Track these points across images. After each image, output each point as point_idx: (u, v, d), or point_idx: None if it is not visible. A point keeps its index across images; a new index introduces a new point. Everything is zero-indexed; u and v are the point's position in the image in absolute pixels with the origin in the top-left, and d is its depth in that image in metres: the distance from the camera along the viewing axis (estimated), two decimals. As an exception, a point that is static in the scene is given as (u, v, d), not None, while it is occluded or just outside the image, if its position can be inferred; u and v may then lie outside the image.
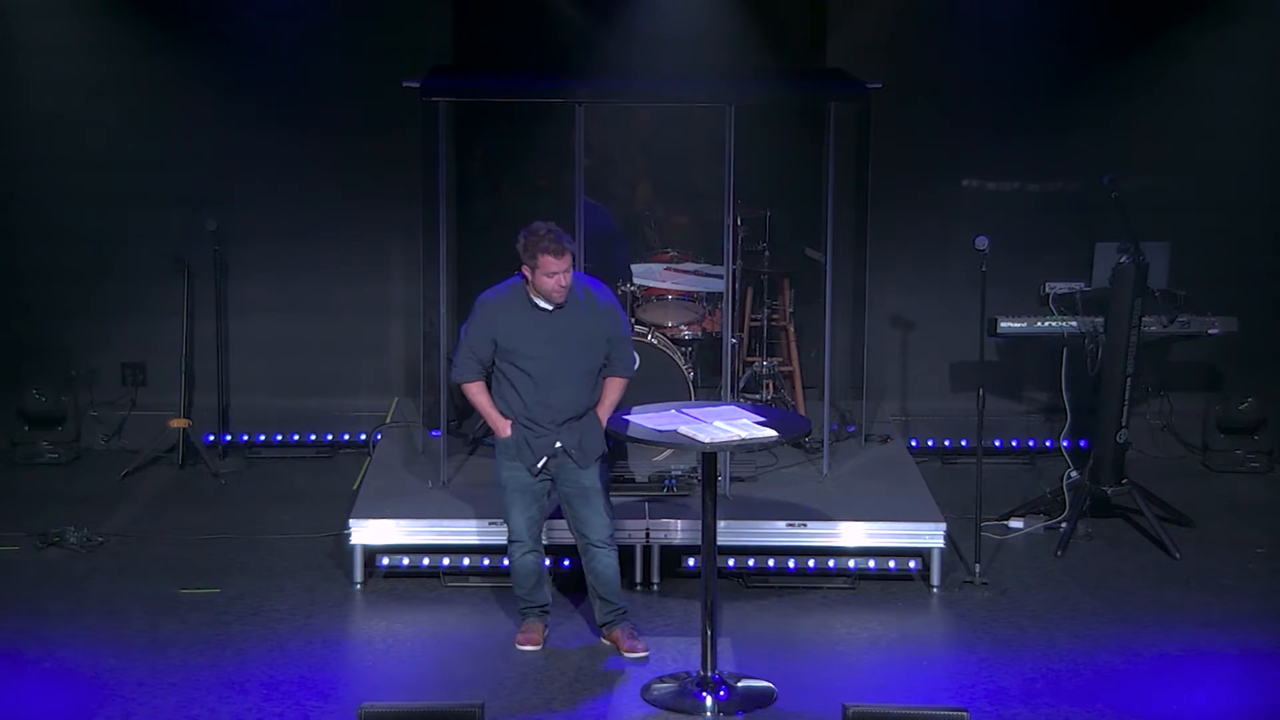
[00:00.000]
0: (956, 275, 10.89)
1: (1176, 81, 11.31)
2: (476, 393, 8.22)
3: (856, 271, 11.09)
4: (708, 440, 7.65)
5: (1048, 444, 11.17)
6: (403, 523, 9.28)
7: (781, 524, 9.24)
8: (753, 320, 10.82)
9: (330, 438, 11.50)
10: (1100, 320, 10.11)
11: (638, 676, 8.06)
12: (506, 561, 8.69)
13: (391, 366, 11.69)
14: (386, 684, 8.00)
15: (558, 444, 8.13)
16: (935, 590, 9.16)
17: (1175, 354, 11.51)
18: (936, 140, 11.39)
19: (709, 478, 7.85)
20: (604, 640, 8.40)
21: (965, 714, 6.34)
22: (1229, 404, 11.30)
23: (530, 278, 8.04)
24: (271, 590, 9.06)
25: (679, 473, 9.69)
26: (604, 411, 8.18)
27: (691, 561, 9.15)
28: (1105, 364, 10.01)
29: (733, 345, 9.98)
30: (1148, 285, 9.92)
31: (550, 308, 8.08)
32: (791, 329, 10.87)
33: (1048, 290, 10.34)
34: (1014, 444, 11.43)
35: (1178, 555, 9.61)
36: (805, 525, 9.22)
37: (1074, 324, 10.24)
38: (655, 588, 9.14)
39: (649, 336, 9.88)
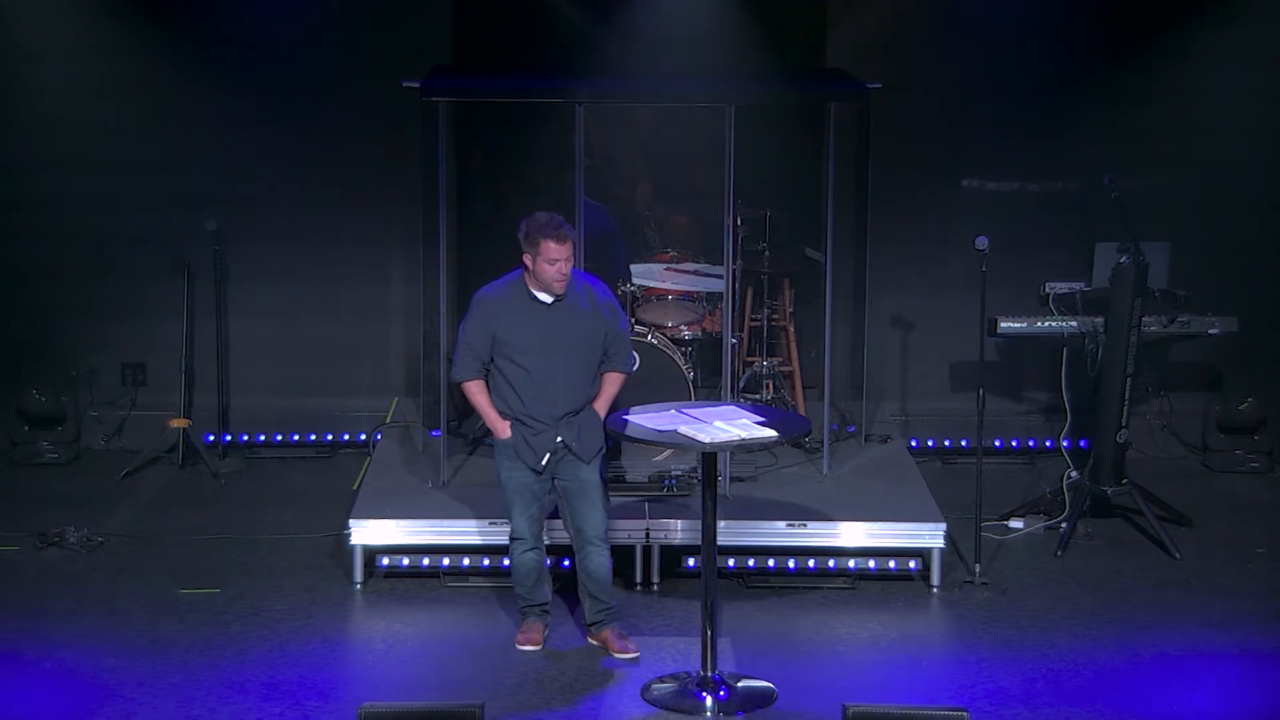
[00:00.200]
0: (956, 275, 10.89)
1: (1176, 81, 11.31)
2: (476, 392, 8.22)
3: (856, 271, 11.10)
4: (708, 440, 7.65)
5: (1048, 444, 11.17)
6: (403, 523, 9.28)
7: (781, 524, 9.24)
8: (753, 320, 10.82)
9: (330, 438, 11.50)
10: (1100, 320, 10.11)
11: (638, 676, 8.05)
12: (506, 561, 8.70)
13: (391, 366, 11.69)
14: (386, 684, 8.00)
15: (559, 439, 8.13)
16: (935, 590, 9.16)
17: (1175, 354, 11.51)
18: (936, 140, 11.39)
19: (709, 478, 7.85)
20: (592, 641, 8.39)
21: (965, 714, 6.34)
22: (1229, 404, 11.30)
23: (531, 266, 8.03)
24: (271, 590, 9.06)
25: (679, 473, 9.69)
26: (601, 406, 8.19)
27: (691, 561, 9.15)
28: (1105, 364, 10.01)
29: (733, 345, 9.98)
30: (1148, 285, 9.92)
31: (550, 301, 8.07)
32: (791, 329, 10.87)
33: (1048, 290, 10.34)
34: (1014, 444, 11.43)
35: (1178, 555, 9.61)
36: (805, 525, 9.22)
37: (1074, 324, 10.24)
38: (655, 588, 9.14)
39: (649, 336, 9.89)
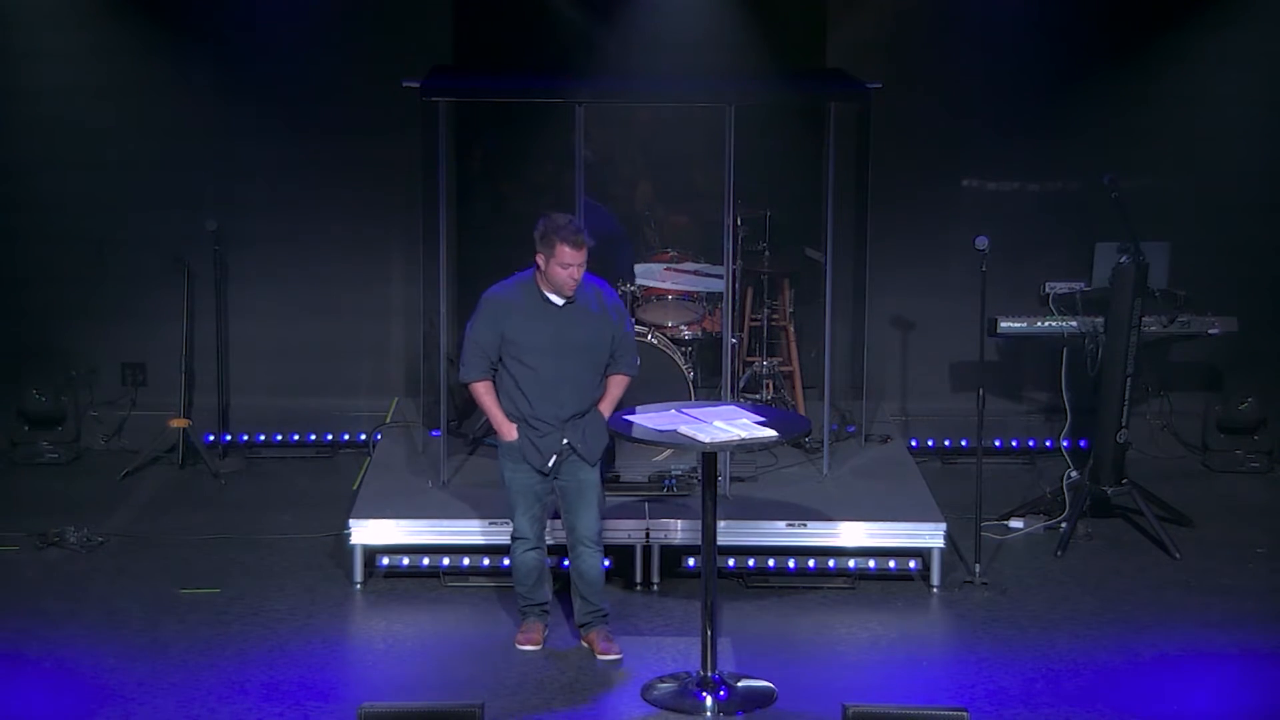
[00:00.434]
0: (956, 275, 10.89)
1: (1176, 82, 11.31)
2: (484, 393, 8.20)
3: (856, 271, 11.10)
4: (708, 440, 7.65)
5: (1048, 444, 11.17)
6: (403, 523, 9.28)
7: (781, 524, 9.24)
8: (753, 320, 10.82)
9: (330, 438, 11.50)
10: (1100, 320, 10.11)
11: (638, 676, 8.05)
12: (507, 561, 8.70)
13: (391, 366, 11.69)
14: (386, 684, 8.00)
15: (565, 440, 8.14)
16: (935, 590, 9.16)
17: (1175, 354, 11.51)
18: (936, 140, 11.39)
19: (709, 478, 7.85)
20: (581, 642, 8.40)
21: (965, 714, 6.34)
22: (1229, 404, 11.30)
23: (543, 267, 8.02)
24: (271, 590, 9.06)
25: (679, 473, 9.68)
26: (607, 408, 8.19)
27: (691, 561, 9.15)
28: (1105, 364, 10.01)
29: (733, 345, 9.98)
30: (1148, 285, 9.92)
31: (560, 303, 8.07)
32: (791, 329, 10.87)
33: (1048, 290, 10.34)
34: (1014, 444, 11.43)
35: (1178, 555, 9.61)
36: (805, 525, 9.22)
37: (1074, 324, 10.24)
38: (655, 588, 9.14)
39: (649, 336, 9.89)
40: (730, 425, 7.78)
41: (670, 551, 9.20)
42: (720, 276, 10.09)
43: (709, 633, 7.87)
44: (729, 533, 9.01)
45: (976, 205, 11.53)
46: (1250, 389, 11.31)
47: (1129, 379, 9.87)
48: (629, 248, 10.72)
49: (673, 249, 10.85)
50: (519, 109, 10.88)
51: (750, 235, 10.56)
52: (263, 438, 11.46)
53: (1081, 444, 10.58)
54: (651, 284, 10.48)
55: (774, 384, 10.68)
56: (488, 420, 10.32)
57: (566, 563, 8.77)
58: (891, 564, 9.24)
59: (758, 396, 10.58)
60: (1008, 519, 10.09)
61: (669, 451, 9.58)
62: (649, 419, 7.89)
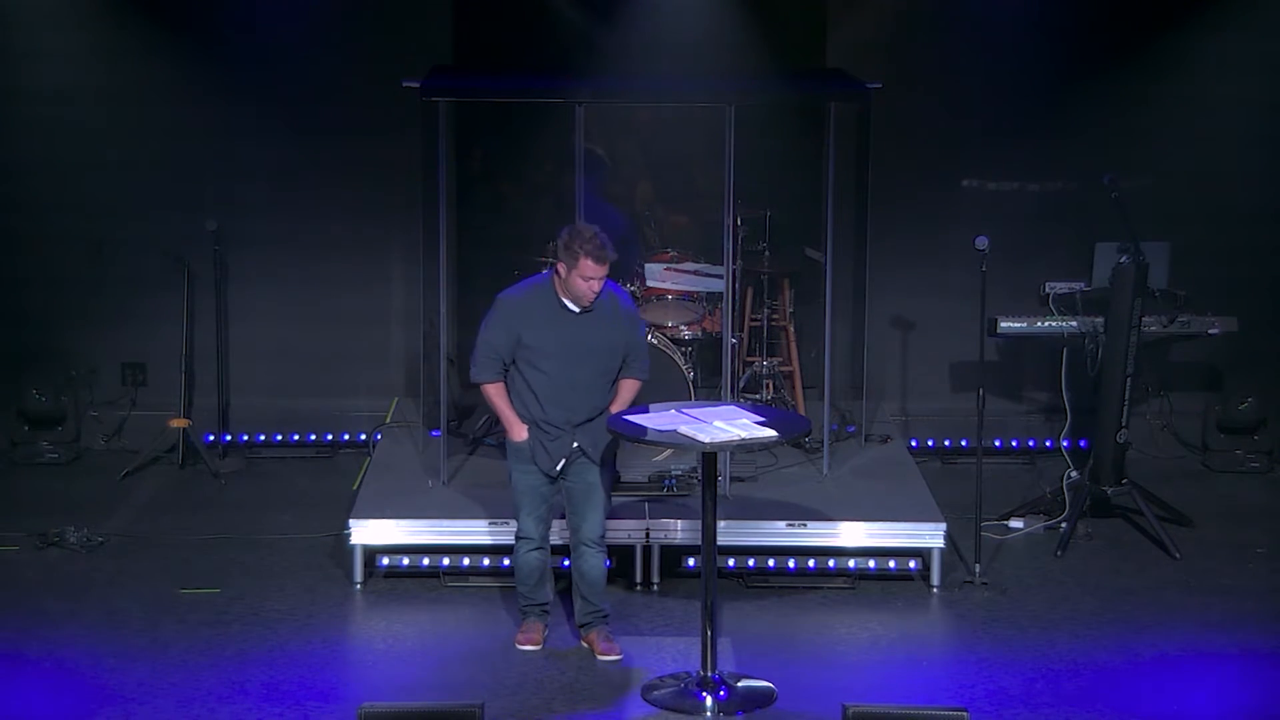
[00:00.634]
0: (956, 275, 10.89)
1: (1176, 82, 11.31)
2: (495, 394, 8.19)
3: (856, 271, 11.10)
4: (708, 440, 7.65)
5: (1048, 444, 11.17)
6: (403, 523, 9.28)
7: (781, 524, 9.24)
8: (753, 320, 10.82)
9: (330, 438, 11.50)
10: (1100, 320, 10.12)
11: (638, 677, 8.05)
12: (507, 561, 8.70)
13: (391, 366, 11.69)
14: (386, 684, 8.00)
15: (575, 444, 8.14)
16: (935, 590, 9.16)
17: (1175, 354, 11.51)
18: (936, 140, 11.39)
19: (709, 478, 7.85)
20: (581, 642, 8.40)
21: (965, 714, 6.34)
22: (1229, 404, 11.30)
23: (564, 275, 8.00)
24: (271, 590, 9.06)
25: (679, 473, 9.68)
26: (617, 411, 8.18)
27: (691, 561, 9.15)
28: (1105, 364, 10.01)
29: (733, 345, 9.98)
30: (1148, 285, 9.92)
31: (576, 309, 8.06)
32: (791, 329, 10.87)
33: (1048, 290, 10.34)
34: (1014, 444, 11.43)
35: (1178, 555, 9.61)
36: (805, 525, 9.22)
37: (1074, 324, 10.24)
38: (655, 588, 9.14)
39: (649, 336, 9.88)
40: (730, 425, 7.77)
41: (670, 551, 9.20)
42: (720, 276, 10.09)
43: (709, 633, 7.87)
44: (729, 533, 9.00)
45: (976, 205, 11.52)
46: (1250, 389, 11.31)
47: (1129, 379, 9.87)
48: (635, 248, 10.72)
49: (673, 249, 10.84)
50: (519, 109, 10.88)
51: (750, 235, 10.56)
52: (263, 438, 11.46)
53: (1081, 444, 10.58)
54: (651, 284, 10.48)
55: (774, 384, 10.68)
56: (487, 420, 10.41)
57: (566, 563, 8.78)
58: (891, 564, 9.24)
59: (758, 396, 10.58)
60: (1008, 519, 10.09)
61: (669, 451, 9.57)
62: (649, 419, 7.89)
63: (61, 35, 11.20)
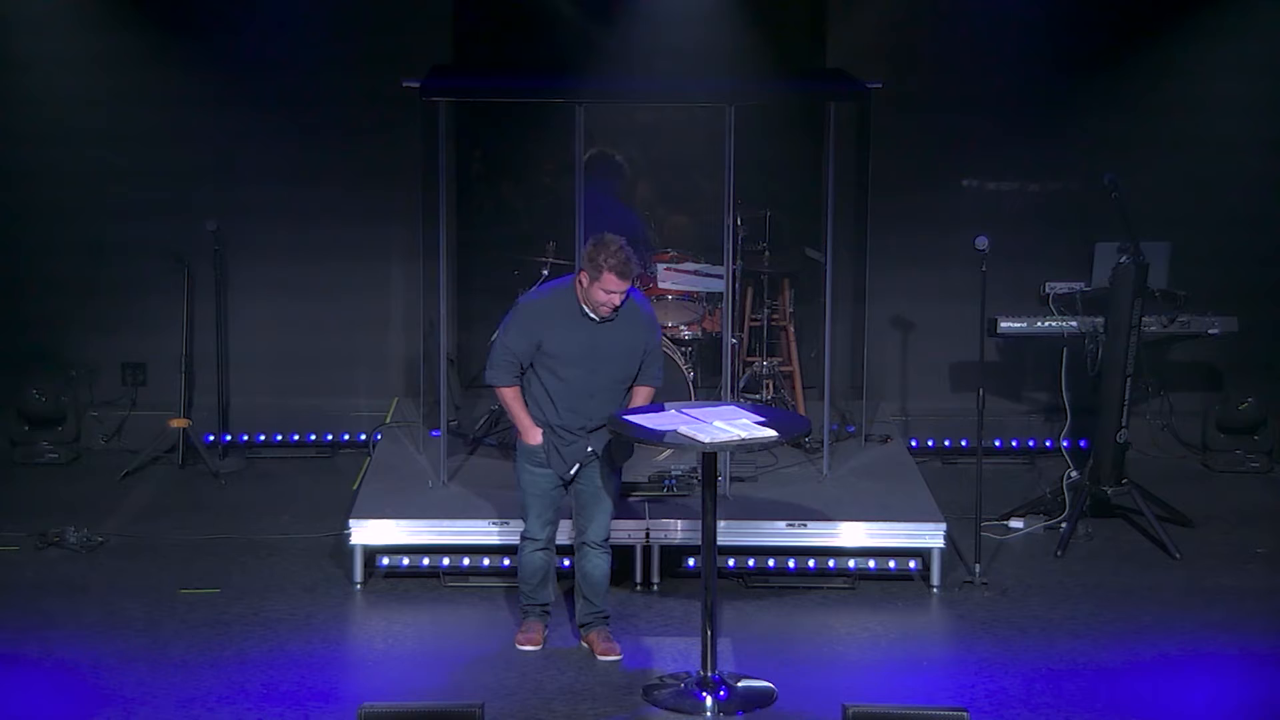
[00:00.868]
0: (956, 275, 10.87)
1: (1177, 82, 11.31)
2: (511, 398, 8.17)
3: (856, 271, 11.10)
4: (708, 440, 7.64)
5: (1048, 444, 11.17)
6: (403, 523, 9.27)
7: (781, 524, 9.24)
8: (753, 320, 10.81)
9: (330, 438, 11.50)
10: (1100, 320, 10.12)
11: (638, 677, 8.05)
12: (507, 561, 8.70)
13: (391, 366, 11.69)
14: (386, 684, 8.00)
15: (589, 449, 8.13)
16: (935, 590, 9.15)
17: (1175, 354, 11.51)
18: (936, 140, 11.39)
19: (709, 478, 7.84)
20: (581, 643, 8.40)
21: (965, 714, 6.34)
22: (1229, 404, 11.30)
23: (585, 285, 7.97)
24: (271, 590, 9.06)
25: (679, 473, 9.68)
26: None
27: (691, 561, 9.15)
28: (1105, 364, 10.01)
29: (733, 345, 9.98)
30: (1148, 285, 9.92)
31: (597, 319, 8.06)
32: (791, 329, 10.87)
33: (1048, 290, 10.35)
34: (1014, 444, 11.43)
35: (1178, 555, 9.61)
36: (805, 525, 9.22)
37: (1074, 324, 10.25)
38: (655, 588, 9.14)
39: (649, 336, 9.87)
40: (730, 425, 7.77)
41: (670, 551, 9.20)
42: (720, 276, 10.09)
43: (709, 633, 7.87)
44: (729, 533, 9.00)
45: (976, 205, 11.53)
46: (1250, 389, 11.31)
47: (1129, 379, 9.87)
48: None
49: (673, 249, 10.85)
50: (519, 109, 10.88)
51: (750, 235, 10.55)
52: (263, 438, 11.46)
53: (1081, 444, 10.58)
54: (652, 284, 10.48)
55: (774, 384, 10.67)
56: (487, 420, 10.41)
57: (566, 563, 8.78)
58: (891, 564, 9.23)
59: (758, 396, 10.58)
60: (1008, 519, 10.09)
61: (669, 451, 9.57)
62: (649, 419, 7.88)
63: (62, 40, 11.19)
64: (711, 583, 7.87)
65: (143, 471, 10.98)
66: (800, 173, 11.25)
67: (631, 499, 9.44)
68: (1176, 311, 10.32)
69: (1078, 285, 10.30)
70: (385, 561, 9.24)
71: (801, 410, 10.57)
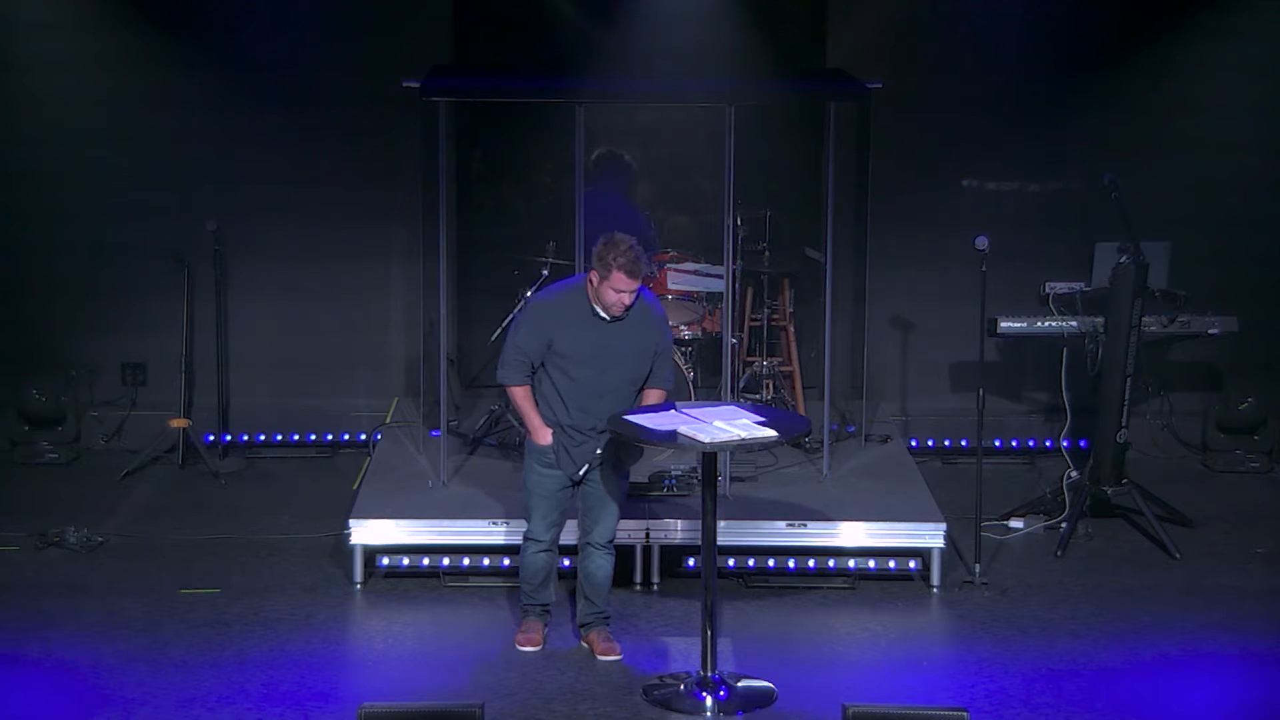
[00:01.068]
0: (956, 275, 10.86)
1: (1177, 82, 11.31)
2: (522, 397, 8.16)
3: (856, 271, 11.10)
4: (708, 440, 7.64)
5: (1048, 444, 11.17)
6: (403, 523, 9.27)
7: (781, 524, 9.24)
8: (753, 320, 10.81)
9: (330, 438, 11.50)
10: (1100, 320, 10.12)
11: (638, 677, 8.05)
12: (507, 561, 8.69)
13: (391, 366, 11.68)
14: (386, 684, 8.00)
15: (598, 450, 8.13)
16: (935, 590, 9.15)
17: (1175, 354, 11.51)
18: (936, 140, 11.39)
19: (709, 478, 7.84)
20: (581, 643, 8.40)
21: (965, 714, 6.34)
22: (1229, 404, 11.31)
23: (595, 284, 7.98)
24: (271, 590, 9.06)
25: (679, 473, 9.68)
26: None
27: (691, 561, 9.15)
28: (1105, 364, 10.01)
29: (733, 345, 9.98)
30: (1148, 285, 9.92)
31: (608, 318, 8.06)
32: (791, 329, 10.87)
33: (1048, 290, 10.35)
34: (1014, 444, 11.43)
35: (1178, 555, 9.61)
36: (805, 525, 9.22)
37: (1074, 324, 10.25)
38: (655, 588, 9.14)
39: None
40: (730, 425, 7.77)
41: (670, 551, 9.20)
42: (720, 276, 10.09)
43: (709, 633, 7.87)
44: (729, 533, 9.00)
45: (976, 205, 11.53)
46: (1250, 389, 11.32)
47: (1129, 379, 9.87)
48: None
49: (673, 249, 10.85)
50: (519, 109, 10.88)
51: (750, 235, 10.55)
52: (263, 438, 11.46)
53: (1081, 444, 10.58)
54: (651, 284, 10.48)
55: (774, 384, 10.67)
56: (487, 420, 10.41)
57: (567, 563, 8.79)
58: (891, 564, 9.23)
59: (758, 396, 10.57)
60: (1008, 519, 10.09)
61: (669, 451, 9.57)
62: (649, 419, 7.89)
63: (62, 41, 11.19)
64: (711, 583, 7.87)
65: (143, 471, 10.98)
66: (800, 173, 11.25)
67: (631, 499, 9.43)
68: (1176, 311, 10.32)
69: (1078, 285, 10.30)
70: (385, 561, 9.24)
71: (801, 410, 10.57)
